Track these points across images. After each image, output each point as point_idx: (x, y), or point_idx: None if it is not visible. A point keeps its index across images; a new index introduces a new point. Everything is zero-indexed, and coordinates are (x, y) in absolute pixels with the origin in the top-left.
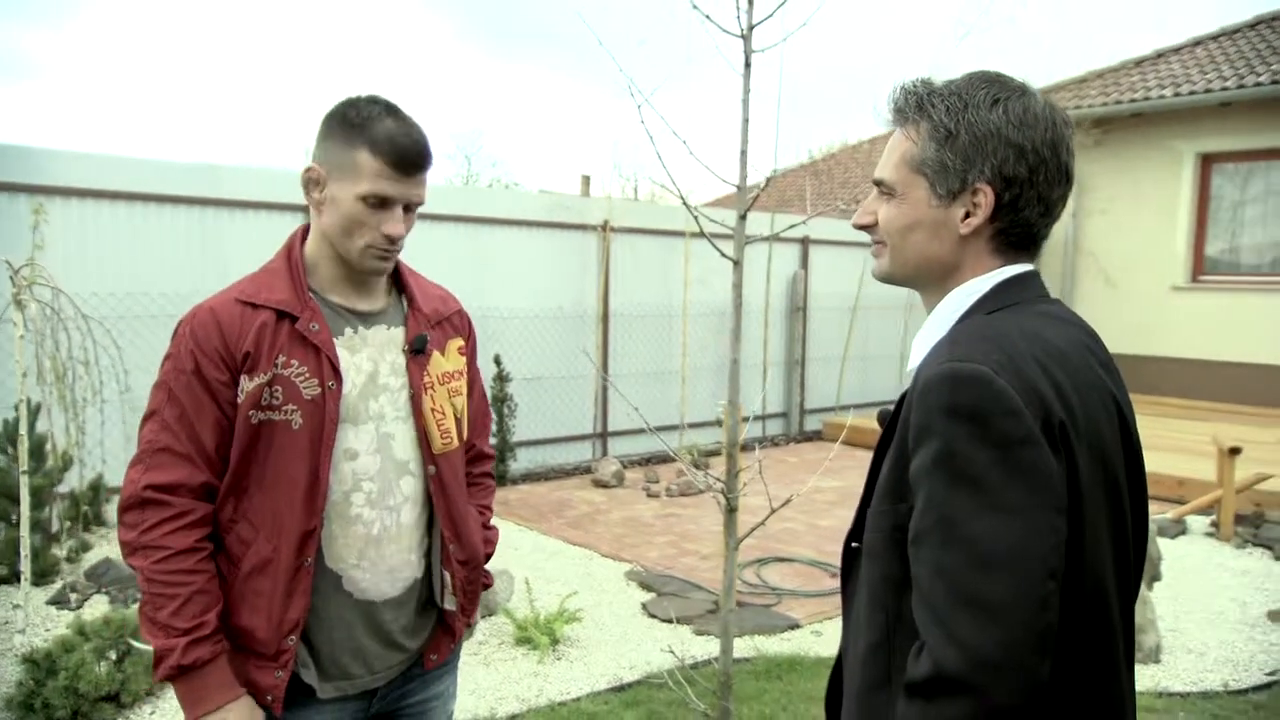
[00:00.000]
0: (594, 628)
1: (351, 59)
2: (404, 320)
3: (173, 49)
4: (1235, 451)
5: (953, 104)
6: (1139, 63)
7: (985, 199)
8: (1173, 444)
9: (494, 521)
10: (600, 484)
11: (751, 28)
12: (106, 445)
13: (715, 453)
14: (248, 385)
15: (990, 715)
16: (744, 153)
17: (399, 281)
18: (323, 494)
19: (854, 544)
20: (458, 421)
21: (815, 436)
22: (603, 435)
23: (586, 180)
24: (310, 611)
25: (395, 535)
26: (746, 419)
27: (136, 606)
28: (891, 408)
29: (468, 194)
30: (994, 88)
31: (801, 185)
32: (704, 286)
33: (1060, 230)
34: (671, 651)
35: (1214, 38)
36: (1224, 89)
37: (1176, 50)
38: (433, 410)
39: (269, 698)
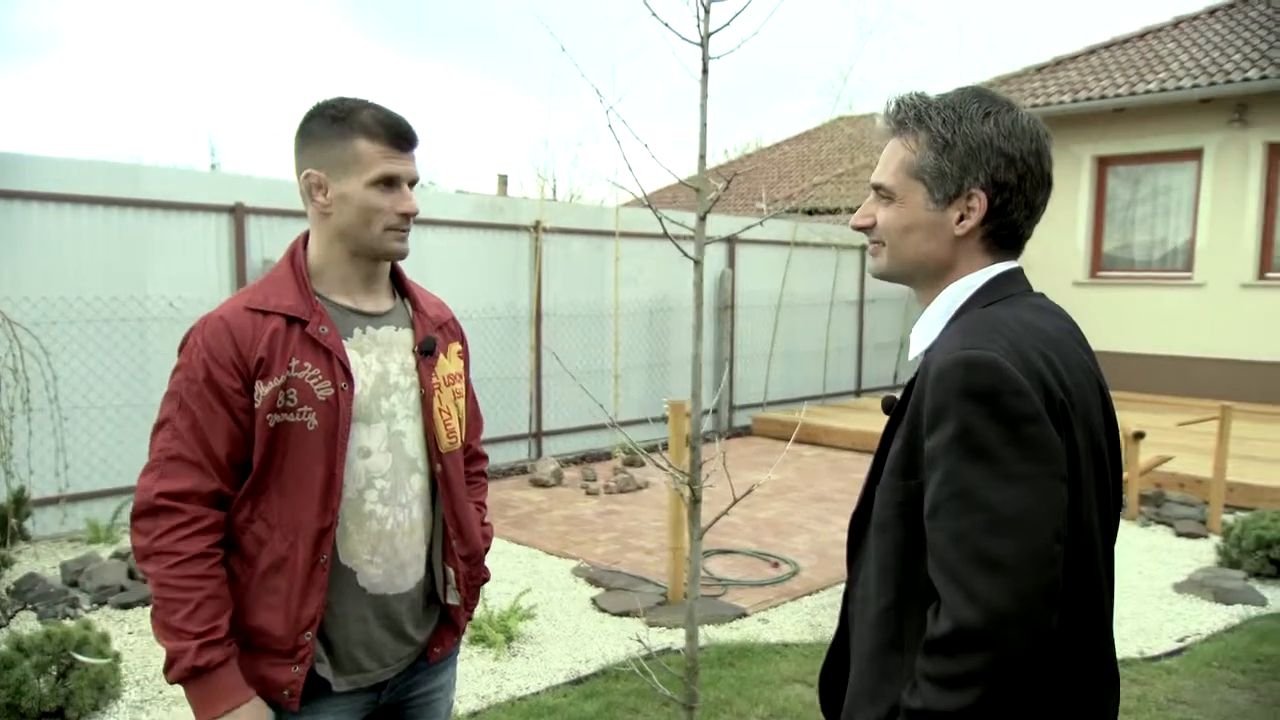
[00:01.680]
0: (547, 624)
1: (257, 58)
2: (410, 322)
3: (85, 48)
4: (1139, 436)
5: (948, 116)
6: (1039, 69)
7: (979, 203)
8: None
9: None
10: (539, 483)
11: (708, 35)
12: (37, 455)
13: (650, 449)
14: (263, 390)
15: (1007, 663)
16: (702, 156)
17: (400, 285)
18: (338, 492)
19: (863, 519)
20: (460, 422)
21: (745, 432)
22: (538, 435)
23: (504, 180)
24: (325, 608)
25: (407, 531)
26: (690, 414)
27: (149, 611)
28: (896, 395)
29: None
30: (985, 102)
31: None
32: (634, 285)
33: None
34: (639, 640)
35: (1106, 46)
36: (1118, 95)
37: (1074, 58)
38: (440, 410)
39: (286, 693)
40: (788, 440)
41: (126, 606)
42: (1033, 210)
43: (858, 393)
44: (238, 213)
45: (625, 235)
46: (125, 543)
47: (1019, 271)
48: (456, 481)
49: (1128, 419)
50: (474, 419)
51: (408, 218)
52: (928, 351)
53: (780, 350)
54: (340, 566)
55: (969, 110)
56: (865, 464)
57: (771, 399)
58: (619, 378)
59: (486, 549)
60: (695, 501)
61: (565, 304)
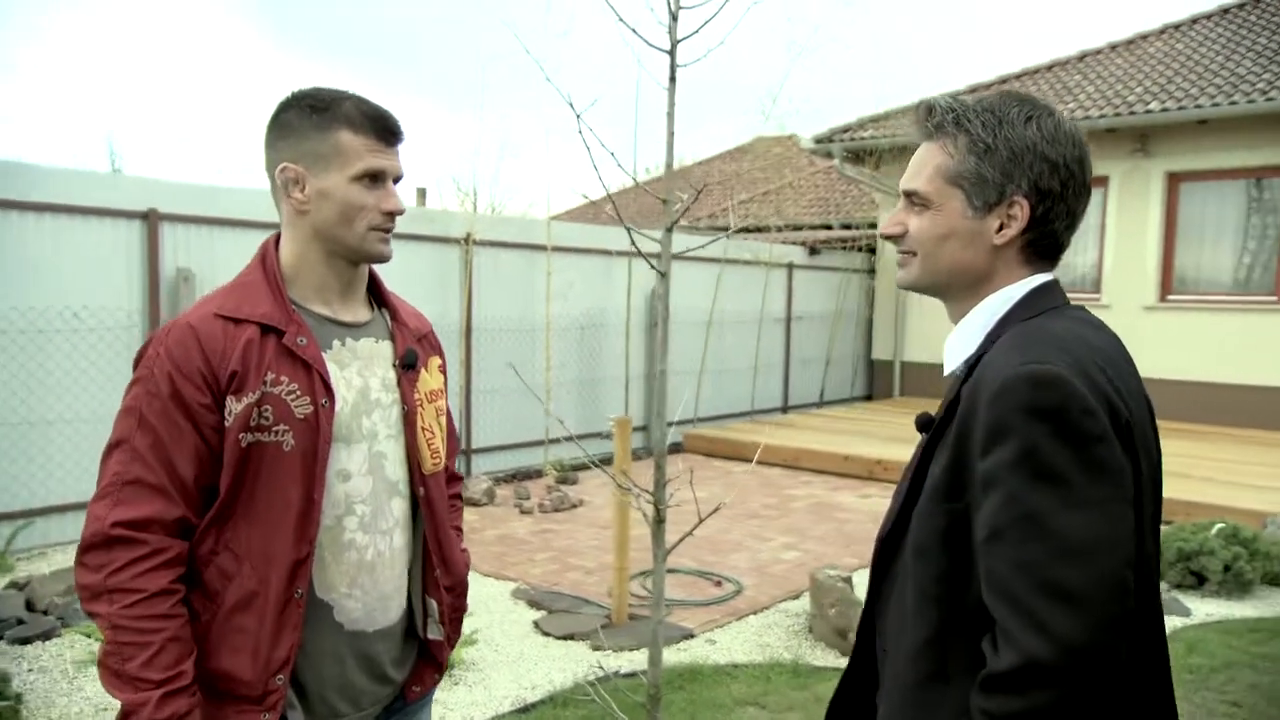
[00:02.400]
0: (488, 649)
1: (161, 63)
2: (389, 334)
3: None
4: None
5: (988, 120)
6: (956, 96)
7: (1021, 211)
8: None
9: None
10: (471, 502)
11: (676, 43)
12: None
13: (583, 467)
14: (235, 406)
15: (1076, 700)
16: (669, 165)
17: (378, 294)
18: (316, 519)
19: (895, 542)
20: (443, 442)
21: (675, 449)
22: (468, 452)
23: (422, 193)
24: (298, 647)
25: (388, 561)
26: (602, 434)
27: (97, 656)
28: (931, 412)
29: None
30: (1025, 106)
31: (642, 201)
32: (565, 300)
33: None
34: (599, 665)
35: (1017, 77)
36: None
37: (987, 86)
38: (423, 429)
39: None
40: (717, 457)
41: (25, 641)
42: (1073, 219)
43: (785, 409)
44: (151, 219)
45: (557, 249)
46: (21, 571)
47: (1057, 283)
48: (440, 505)
49: None
50: (450, 438)
51: (392, 217)
52: (970, 366)
53: (710, 367)
54: (316, 600)
55: (1009, 114)
56: (797, 480)
57: (701, 415)
58: (550, 393)
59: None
60: (660, 521)
61: (496, 318)
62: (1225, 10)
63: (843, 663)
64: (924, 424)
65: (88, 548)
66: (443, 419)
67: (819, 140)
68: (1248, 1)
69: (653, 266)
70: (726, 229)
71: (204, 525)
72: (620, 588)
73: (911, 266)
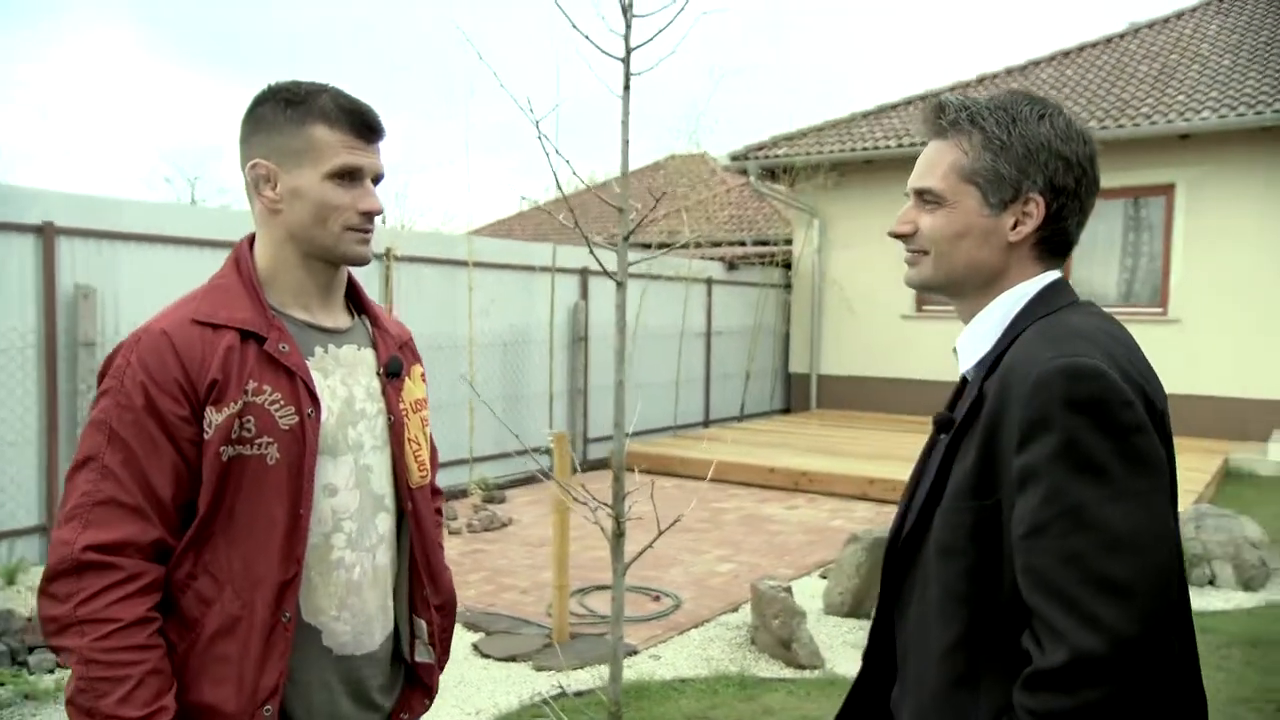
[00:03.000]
0: None
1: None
2: (371, 341)
3: None
4: None
5: (1001, 117)
6: (866, 115)
7: (1037, 208)
8: (916, 455)
9: None
10: None
11: (630, 51)
12: None
13: (509, 485)
14: (216, 418)
15: (1129, 694)
16: (625, 174)
17: (357, 300)
18: (303, 538)
19: (915, 544)
20: (428, 454)
21: (601, 465)
22: None
23: None
24: (286, 675)
25: (374, 580)
26: (537, 450)
27: (64, 694)
28: (948, 410)
29: (236, 218)
30: (1036, 104)
31: (555, 219)
32: (487, 317)
33: (808, 260)
34: (561, 688)
35: (921, 98)
36: None
37: (894, 106)
38: (410, 440)
39: None
40: (643, 472)
41: None
42: (1084, 216)
43: (706, 423)
44: (46, 233)
45: (479, 265)
46: None
47: (1066, 280)
48: (427, 520)
49: None
50: (432, 450)
51: (370, 217)
52: (992, 364)
53: (632, 382)
54: (303, 624)
55: (1022, 111)
56: (724, 493)
57: (626, 430)
58: (474, 410)
59: None
60: (619, 535)
61: (418, 335)
62: (1109, 40)
63: (788, 673)
64: (944, 424)
65: (54, 575)
66: (427, 430)
67: (734, 158)
68: (1129, 31)
69: (610, 276)
70: (650, 245)
71: (180, 547)
72: (561, 606)
73: (923, 265)
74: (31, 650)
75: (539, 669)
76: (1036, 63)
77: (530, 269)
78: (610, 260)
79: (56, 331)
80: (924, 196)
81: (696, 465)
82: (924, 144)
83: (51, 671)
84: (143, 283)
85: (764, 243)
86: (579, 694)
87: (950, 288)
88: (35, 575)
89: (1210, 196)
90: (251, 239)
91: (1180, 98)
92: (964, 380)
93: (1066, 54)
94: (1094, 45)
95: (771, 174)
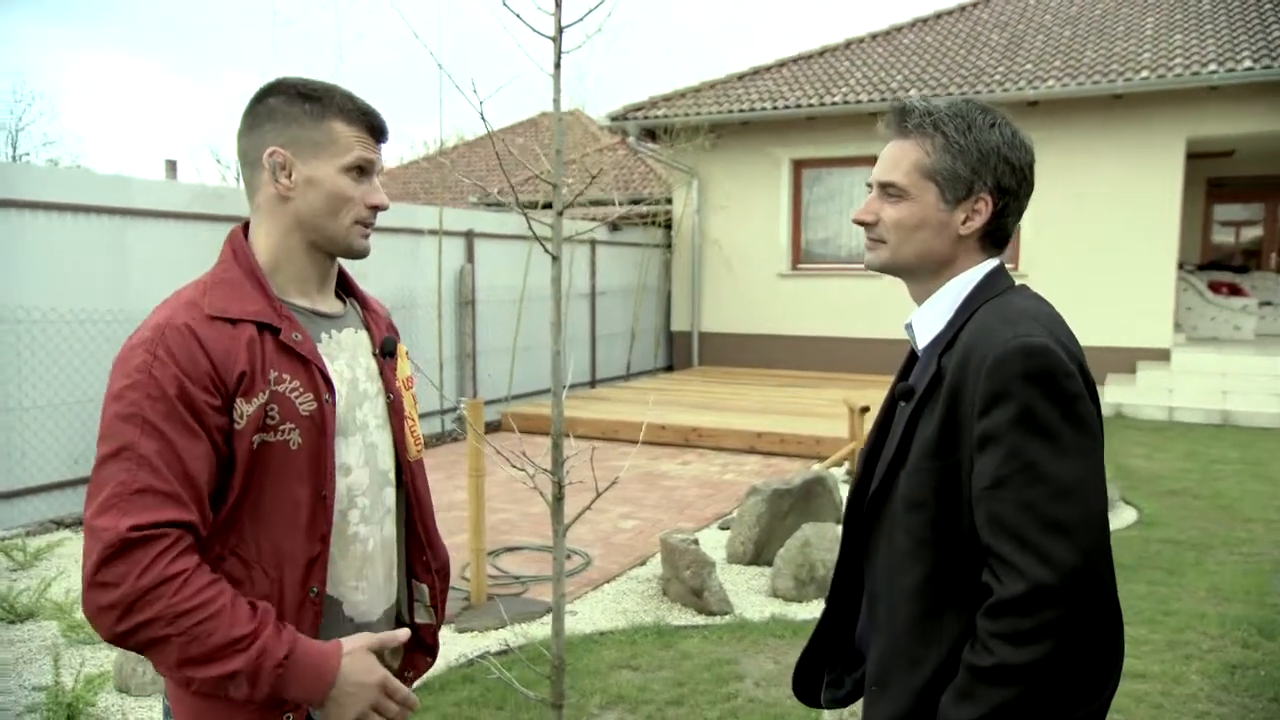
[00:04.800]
0: None
1: None
2: (364, 323)
3: None
4: (865, 410)
5: (959, 124)
6: (741, 77)
7: (985, 206)
8: (801, 409)
9: None
10: None
11: (561, 30)
12: None
13: None
14: (247, 409)
15: (1077, 615)
16: (559, 151)
17: (344, 284)
18: (328, 516)
19: (882, 498)
20: (418, 428)
21: (493, 428)
22: None
23: (172, 165)
24: None
25: (383, 550)
26: (449, 410)
27: (165, 670)
28: (909, 383)
29: (110, 183)
30: (987, 114)
31: (426, 177)
32: (366, 281)
33: (688, 220)
34: (506, 645)
35: (794, 60)
36: (809, 105)
37: (768, 68)
38: (405, 416)
39: None
40: (537, 434)
41: None
42: (1021, 214)
43: (593, 383)
44: None
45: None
46: None
47: (1004, 266)
48: (424, 490)
49: (826, 395)
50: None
51: (375, 212)
52: (949, 340)
53: (520, 345)
54: (326, 598)
55: (976, 119)
56: (615, 452)
57: (515, 393)
58: None
59: None
60: (559, 499)
61: None
62: (963, 8)
63: (700, 620)
64: (906, 393)
65: (102, 562)
66: (416, 405)
67: (614, 118)
68: (980, 1)
69: (546, 250)
70: (535, 205)
71: (210, 531)
72: (478, 569)
73: (881, 251)
74: None
75: (462, 630)
76: (899, 28)
77: (416, 232)
78: (496, 223)
79: None
80: (888, 189)
81: (587, 425)
82: (798, 109)
83: None
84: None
85: (640, 202)
86: (519, 648)
87: (905, 272)
88: None
89: (1054, 161)
90: (245, 227)
91: (1028, 66)
92: (913, 353)
93: (925, 20)
94: (950, 13)
95: (651, 134)
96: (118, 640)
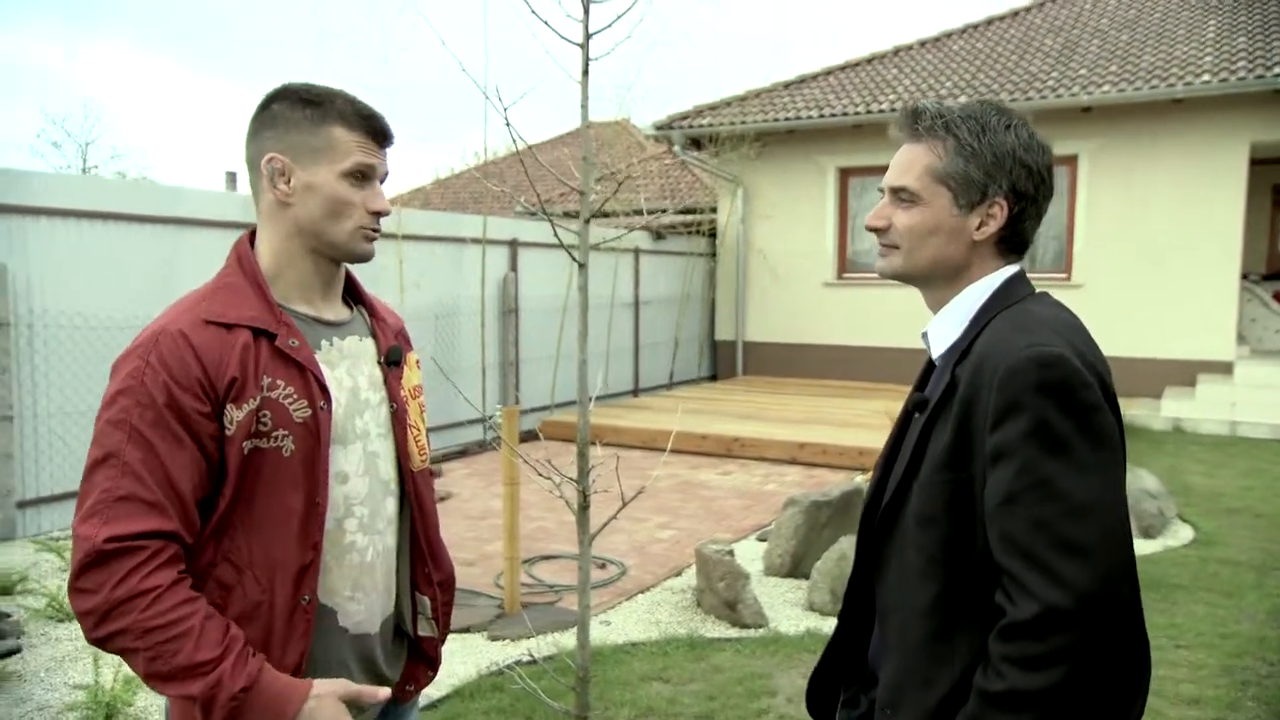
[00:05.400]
0: None
1: None
2: (370, 331)
3: None
4: None
5: (973, 126)
6: (787, 85)
7: (1000, 211)
8: (844, 420)
9: None
10: None
11: (589, 37)
12: None
13: (443, 458)
14: (237, 415)
15: (1092, 640)
16: (585, 158)
17: (353, 291)
18: (320, 524)
19: (894, 513)
20: (426, 438)
21: (531, 437)
22: None
23: (232, 176)
24: (307, 655)
25: (383, 560)
26: (482, 420)
27: (139, 676)
28: (924, 393)
29: (154, 192)
30: (1004, 115)
31: (475, 187)
32: (418, 290)
33: (733, 229)
34: (529, 656)
35: (841, 69)
36: (856, 113)
37: (814, 76)
38: (410, 426)
39: None
40: (574, 442)
41: None
42: (1040, 219)
43: (635, 392)
44: None
45: (408, 238)
46: None
47: (1024, 273)
48: (428, 502)
49: (895, 406)
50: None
51: (379, 217)
52: (964, 350)
53: (563, 353)
54: (320, 606)
55: (991, 121)
56: (656, 461)
57: (556, 402)
58: None
59: None
60: (584, 508)
61: None
62: (1015, 13)
63: (734, 633)
64: (919, 405)
65: (81, 570)
66: (424, 415)
67: (659, 127)
68: (1034, 5)
69: (573, 257)
70: (577, 215)
71: (203, 536)
72: (512, 577)
73: (894, 258)
74: None
75: (494, 639)
76: (949, 34)
77: (460, 241)
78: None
79: None
80: (900, 194)
81: (629, 434)
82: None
83: (7, 656)
84: (57, 259)
85: (689, 211)
86: (547, 659)
87: (918, 279)
88: None
89: (1109, 167)
90: (251, 235)
91: (1083, 71)
92: (930, 363)
93: (976, 26)
94: (1002, 19)
95: (696, 143)
96: (97, 643)
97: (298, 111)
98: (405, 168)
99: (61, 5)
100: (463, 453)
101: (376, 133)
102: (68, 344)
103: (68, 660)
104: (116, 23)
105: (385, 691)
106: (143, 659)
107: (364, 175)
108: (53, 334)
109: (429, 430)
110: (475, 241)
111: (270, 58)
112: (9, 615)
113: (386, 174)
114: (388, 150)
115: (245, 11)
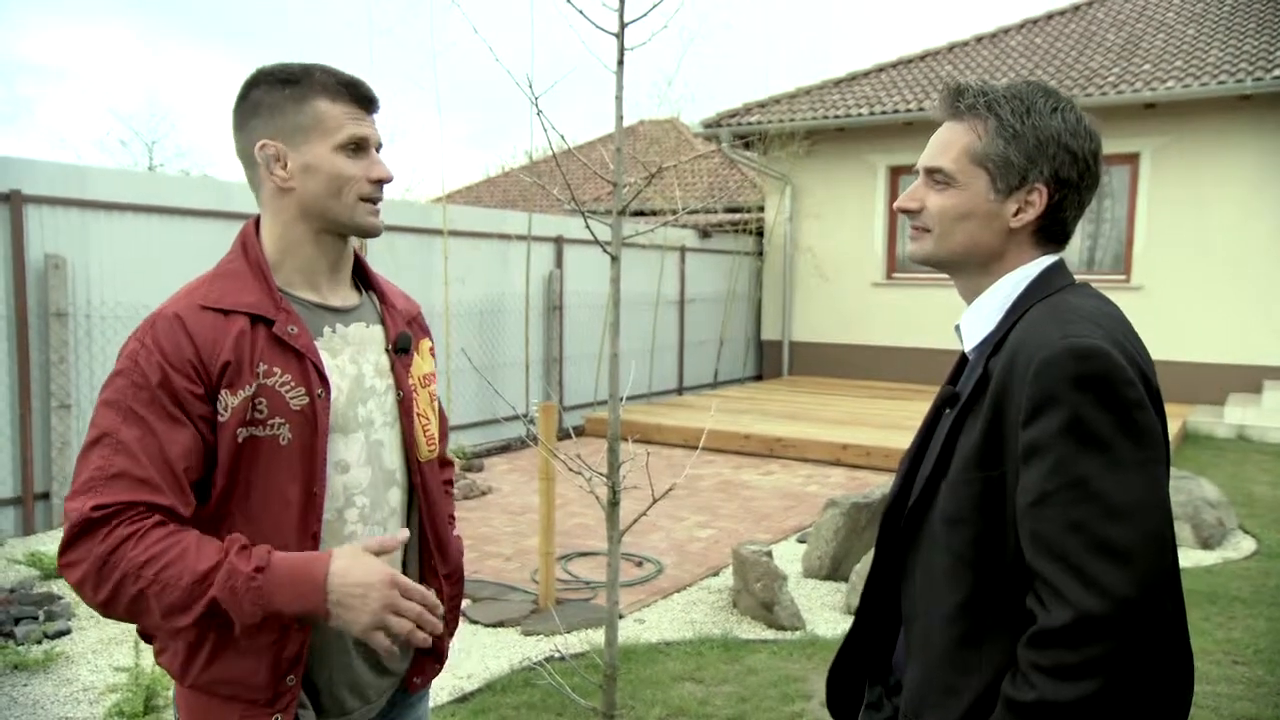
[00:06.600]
0: None
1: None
2: (379, 317)
3: None
4: None
5: (1016, 106)
6: (837, 83)
7: (1040, 198)
8: (889, 421)
9: None
10: None
11: (624, 26)
12: None
13: (485, 453)
14: (231, 401)
15: (1129, 650)
16: (619, 149)
17: (363, 276)
18: (318, 514)
19: (920, 513)
20: (437, 428)
21: (577, 433)
22: None
23: None
24: (307, 646)
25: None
26: (518, 416)
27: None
28: (954, 388)
29: (209, 186)
30: (1051, 97)
31: (525, 186)
32: (463, 285)
33: (781, 227)
34: (558, 652)
35: (894, 65)
36: (908, 110)
37: (865, 74)
38: (419, 415)
39: None
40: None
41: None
42: (1082, 209)
43: (680, 390)
44: (14, 201)
45: (454, 234)
46: None
47: (1064, 263)
48: (436, 493)
49: None
50: (442, 421)
51: (381, 185)
52: (997, 342)
53: (607, 350)
54: None
55: (1036, 102)
56: (699, 460)
57: (600, 399)
58: (451, 380)
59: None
60: (614, 504)
61: None
62: (1076, 7)
63: (770, 635)
64: (949, 399)
65: (70, 542)
66: (435, 404)
67: (707, 125)
68: (1095, 0)
69: (605, 250)
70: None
71: (200, 525)
72: (547, 572)
73: (925, 241)
74: (18, 621)
75: (527, 634)
76: (1006, 30)
77: (505, 237)
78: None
79: (26, 302)
80: (934, 176)
81: (671, 432)
82: (905, 115)
83: (39, 642)
84: (115, 252)
85: (736, 210)
86: (577, 656)
87: (950, 265)
88: (10, 548)
89: (1173, 166)
90: (256, 222)
91: (1146, 67)
92: (963, 357)
93: (1035, 21)
94: (1062, 13)
95: (744, 141)
96: (104, 611)
97: (278, 93)
98: (459, 166)
99: (135, 3)
100: (505, 448)
101: (361, 99)
102: (124, 335)
103: (113, 643)
104: (182, 19)
105: (404, 533)
106: (152, 597)
107: (359, 146)
108: (110, 325)
109: (471, 425)
110: (520, 238)
111: (327, 54)
112: (60, 598)
113: (380, 143)
114: (375, 116)
115: (301, 10)
